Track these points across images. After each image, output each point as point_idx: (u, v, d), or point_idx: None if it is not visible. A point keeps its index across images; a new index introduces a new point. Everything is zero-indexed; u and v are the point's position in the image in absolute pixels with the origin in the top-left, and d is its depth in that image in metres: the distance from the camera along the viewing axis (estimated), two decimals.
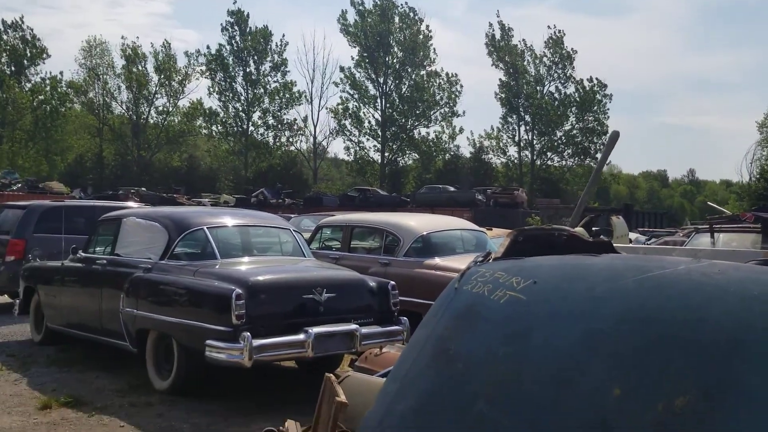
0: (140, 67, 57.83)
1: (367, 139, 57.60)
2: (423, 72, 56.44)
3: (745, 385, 1.66)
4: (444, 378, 2.33)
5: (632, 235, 16.97)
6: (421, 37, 56.27)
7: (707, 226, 9.11)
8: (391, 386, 2.52)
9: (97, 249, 7.72)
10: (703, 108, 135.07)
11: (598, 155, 54.93)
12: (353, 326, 6.15)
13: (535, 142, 56.99)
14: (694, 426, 1.66)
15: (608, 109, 55.77)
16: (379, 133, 56.89)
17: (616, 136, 11.05)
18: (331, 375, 2.87)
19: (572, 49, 56.26)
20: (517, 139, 57.45)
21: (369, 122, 57.24)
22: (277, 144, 58.29)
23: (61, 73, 58.34)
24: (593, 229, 12.08)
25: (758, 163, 53.03)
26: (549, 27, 58.19)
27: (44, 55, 56.99)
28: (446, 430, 2.17)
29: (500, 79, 56.70)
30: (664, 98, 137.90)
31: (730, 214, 11.59)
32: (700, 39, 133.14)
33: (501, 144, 57.83)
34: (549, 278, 2.35)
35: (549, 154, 57.07)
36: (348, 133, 57.45)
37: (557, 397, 1.97)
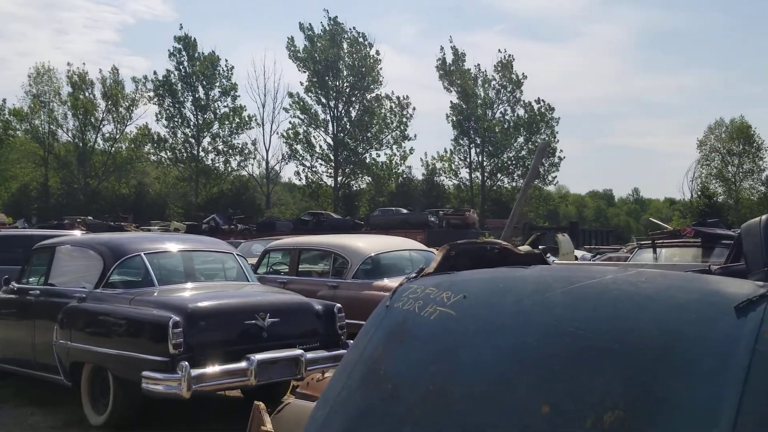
0: (87, 94, 56.80)
1: (320, 164, 57.55)
2: (371, 96, 56.74)
3: (673, 395, 1.60)
4: (373, 400, 2.23)
5: (578, 253, 17.22)
6: (369, 61, 56.60)
7: (650, 242, 9.25)
8: (320, 411, 2.40)
9: (31, 279, 7.42)
10: (645, 129, 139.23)
11: (548, 177, 56.02)
12: (298, 351, 5.99)
13: (485, 163, 57.67)
14: None
15: (558, 132, 56.86)
16: (331, 158, 56.85)
17: (545, 146, 11.19)
18: (260, 403, 2.74)
19: (522, 74, 57.33)
20: (468, 161, 58.09)
21: (321, 147, 57.23)
22: (228, 169, 57.75)
23: (3, 100, 56.72)
24: (540, 247, 12.18)
25: (698, 180, 54.86)
26: (500, 51, 59.07)
27: None
28: None
29: (452, 102, 57.36)
30: (608, 120, 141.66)
31: (671, 230, 11.82)
32: (640, 63, 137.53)
33: (453, 166, 58.39)
34: (479, 292, 2.28)
35: (499, 175, 57.81)
36: (300, 158, 57.30)
37: (485, 416, 1.88)
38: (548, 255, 15.30)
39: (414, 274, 2.70)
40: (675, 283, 1.89)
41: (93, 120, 56.95)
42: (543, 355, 1.88)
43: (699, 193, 52.56)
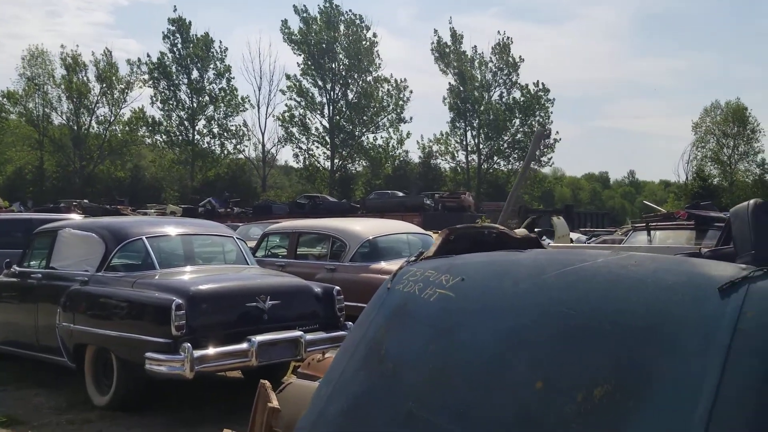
0: (81, 76, 56.52)
1: (317, 147, 57.52)
2: (369, 78, 56.63)
3: (659, 372, 1.70)
4: (375, 379, 2.33)
5: (574, 235, 17.36)
6: (366, 43, 56.39)
7: (644, 225, 9.34)
8: (324, 390, 2.50)
9: (33, 263, 7.49)
10: (641, 111, 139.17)
11: (543, 159, 56.12)
12: (298, 333, 6.09)
13: (481, 146, 57.69)
14: (611, 414, 1.70)
15: (552, 113, 56.84)
16: (328, 140, 56.80)
17: (541, 132, 11.21)
18: (266, 382, 2.84)
19: (519, 56, 57.22)
20: (464, 144, 58.10)
21: (317, 129, 57.15)
22: (224, 152, 57.67)
23: None
24: (536, 229, 12.29)
25: (694, 163, 54.99)
26: (498, 33, 59.02)
27: None
28: (374, 429, 2.16)
29: (450, 84, 57.27)
30: (604, 102, 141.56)
31: (665, 212, 11.92)
32: (636, 45, 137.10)
33: (450, 148, 58.41)
34: (477, 275, 2.37)
35: (495, 158, 57.87)
36: (296, 141, 57.23)
37: (483, 393, 1.98)
38: (544, 238, 15.46)
39: (414, 258, 2.80)
40: (663, 266, 1.99)
41: (87, 103, 56.70)
42: (538, 335, 1.98)
43: (694, 175, 52.70)
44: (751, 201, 2.49)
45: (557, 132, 57.37)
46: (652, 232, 8.96)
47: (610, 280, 1.98)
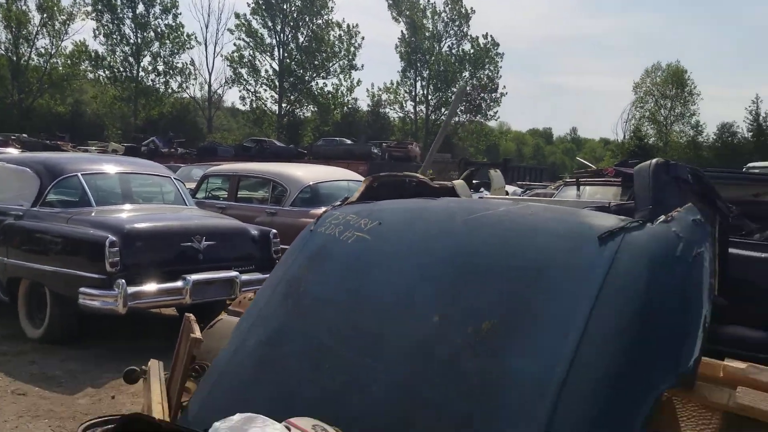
0: (20, 5, 53.87)
1: (265, 90, 56.58)
2: (321, 21, 55.64)
3: (539, 309, 1.91)
4: (293, 314, 2.50)
5: (510, 188, 17.82)
6: None
7: (574, 180, 9.69)
8: (245, 323, 2.66)
9: None
10: (589, 69, 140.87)
11: (490, 112, 56.60)
12: (233, 273, 6.21)
13: (430, 97, 57.72)
14: (495, 346, 1.90)
15: (501, 67, 57.11)
16: (277, 84, 55.91)
17: (462, 89, 11.37)
18: (190, 315, 2.98)
19: (471, 8, 57.00)
20: (414, 94, 58.02)
21: (266, 71, 56.15)
22: (169, 91, 56.22)
23: None
24: (474, 181, 12.55)
25: (632, 122, 56.26)
26: None
27: None
28: (289, 359, 2.34)
29: (402, 32, 56.81)
30: (553, 58, 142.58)
31: (595, 169, 12.38)
32: (590, 2, 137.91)
33: (399, 98, 58.27)
34: (392, 219, 2.55)
35: (443, 109, 58.02)
36: (244, 82, 56.16)
37: (389, 326, 2.17)
38: (482, 189, 15.78)
39: (338, 203, 2.95)
40: (555, 216, 2.20)
41: (27, 33, 54.23)
42: (440, 275, 2.17)
43: (631, 134, 53.95)
44: (654, 160, 2.70)
45: (504, 87, 57.73)
46: (581, 187, 9.30)
47: (508, 227, 2.18)
